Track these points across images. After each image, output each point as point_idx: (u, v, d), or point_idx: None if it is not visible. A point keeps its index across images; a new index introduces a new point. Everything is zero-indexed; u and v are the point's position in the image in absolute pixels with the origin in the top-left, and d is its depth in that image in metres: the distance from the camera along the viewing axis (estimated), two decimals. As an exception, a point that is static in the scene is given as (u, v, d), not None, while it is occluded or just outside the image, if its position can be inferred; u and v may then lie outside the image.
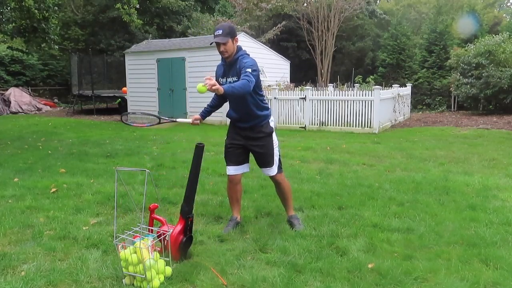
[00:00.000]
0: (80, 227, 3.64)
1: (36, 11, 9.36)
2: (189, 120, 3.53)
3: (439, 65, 17.30)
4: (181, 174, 5.58)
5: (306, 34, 19.24)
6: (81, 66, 18.20)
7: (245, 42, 12.56)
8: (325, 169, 5.93)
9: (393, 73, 19.23)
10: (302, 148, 7.75)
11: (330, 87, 13.44)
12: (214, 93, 3.62)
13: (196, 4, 23.72)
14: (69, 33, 21.17)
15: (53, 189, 4.82)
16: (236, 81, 3.32)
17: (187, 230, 3.00)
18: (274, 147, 3.58)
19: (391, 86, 13.35)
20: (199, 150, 3.05)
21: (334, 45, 19.12)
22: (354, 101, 10.71)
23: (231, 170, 3.60)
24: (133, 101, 14.26)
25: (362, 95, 10.70)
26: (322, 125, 11.06)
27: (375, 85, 12.09)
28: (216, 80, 3.28)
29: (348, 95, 10.92)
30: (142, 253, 2.61)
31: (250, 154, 3.66)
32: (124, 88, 15.53)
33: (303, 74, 21.12)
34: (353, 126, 10.71)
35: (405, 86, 14.77)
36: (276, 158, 3.59)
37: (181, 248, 2.96)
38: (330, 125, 10.97)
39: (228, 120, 3.69)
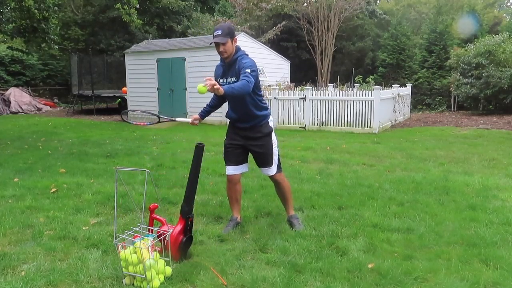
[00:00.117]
0: (80, 227, 3.64)
1: (36, 11, 9.36)
2: (189, 119, 3.54)
3: (439, 65, 17.30)
4: (181, 174, 5.58)
5: (306, 34, 19.25)
6: (81, 66, 18.20)
7: (245, 42, 12.56)
8: (325, 169, 5.93)
9: (393, 73, 19.23)
10: (302, 148, 7.75)
11: (330, 87, 13.44)
12: (213, 93, 3.63)
13: (196, 4, 23.73)
14: (69, 33, 21.17)
15: (53, 189, 4.82)
16: (235, 81, 3.33)
17: (187, 230, 3.00)
18: (273, 146, 3.59)
19: (391, 86, 13.35)
20: (199, 150, 3.05)
21: (334, 45, 19.12)
22: (354, 101, 10.71)
23: (230, 170, 3.60)
24: (133, 101, 14.26)
25: (362, 95, 10.70)
26: (322, 125, 11.06)
27: (375, 85, 12.09)
28: (215, 80, 3.28)
29: (348, 95, 10.92)
30: (142, 253, 2.61)
31: (250, 154, 3.66)
32: (124, 88, 15.54)
33: (303, 74, 21.12)
34: (353, 126, 10.71)
35: (405, 86, 14.77)
36: (275, 158, 3.60)
37: (181, 248, 2.96)
38: (330, 125, 10.97)
39: (228, 120, 3.69)
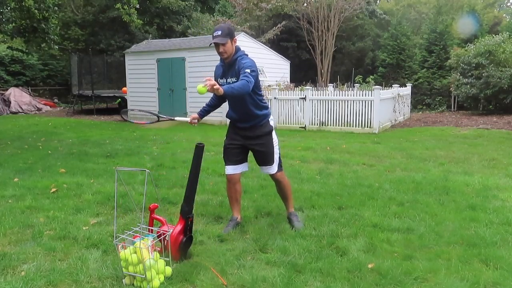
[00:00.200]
0: (80, 227, 3.64)
1: (36, 11, 9.36)
2: (188, 118, 3.54)
3: (439, 65, 17.30)
4: (181, 174, 5.58)
5: (306, 34, 19.25)
6: (81, 66, 18.20)
7: (245, 42, 12.56)
8: (325, 169, 5.93)
9: (393, 73, 19.23)
10: (302, 148, 7.75)
11: (330, 87, 13.44)
12: (213, 93, 3.62)
13: (196, 4, 23.73)
14: (69, 33, 21.17)
15: (53, 189, 4.82)
16: (235, 81, 3.33)
17: (187, 230, 3.00)
18: (274, 145, 3.60)
19: (391, 86, 13.35)
20: (199, 150, 3.05)
21: (334, 45, 19.12)
22: (354, 101, 10.71)
23: (230, 169, 3.61)
24: (133, 101, 14.26)
25: (362, 95, 10.70)
26: (322, 125, 11.06)
27: (375, 85, 12.09)
28: (215, 80, 3.29)
29: (348, 95, 10.92)
30: (142, 253, 2.61)
31: (249, 154, 3.67)
32: (124, 88, 15.54)
33: (303, 74, 21.12)
34: (353, 126, 10.71)
35: (405, 86, 14.77)
36: (276, 157, 3.61)
37: (181, 248, 2.96)
38: (330, 125, 10.97)
39: (228, 120, 3.70)
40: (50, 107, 18.99)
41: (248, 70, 3.22)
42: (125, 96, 15.18)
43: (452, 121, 12.44)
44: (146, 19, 20.50)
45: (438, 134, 9.63)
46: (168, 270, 2.75)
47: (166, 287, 2.63)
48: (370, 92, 10.60)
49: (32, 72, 20.55)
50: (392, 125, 11.90)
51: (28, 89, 19.29)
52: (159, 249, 2.92)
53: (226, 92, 3.02)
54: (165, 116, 3.58)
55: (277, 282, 2.66)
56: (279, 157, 3.67)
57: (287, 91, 11.80)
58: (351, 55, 24.35)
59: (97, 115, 16.03)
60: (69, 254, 3.10)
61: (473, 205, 4.13)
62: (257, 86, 3.43)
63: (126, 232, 2.82)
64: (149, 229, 2.98)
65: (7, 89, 18.21)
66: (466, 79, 13.67)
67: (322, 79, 18.27)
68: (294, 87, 13.32)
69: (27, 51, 12.98)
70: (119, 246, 2.76)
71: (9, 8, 10.17)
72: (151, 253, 2.68)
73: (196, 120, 3.52)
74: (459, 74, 14.15)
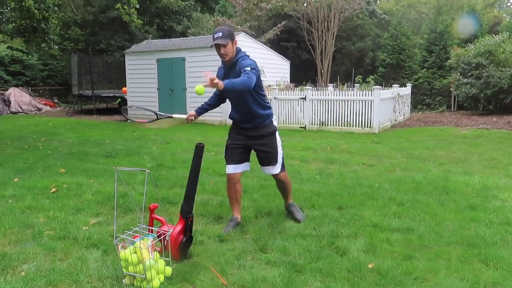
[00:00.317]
0: (80, 227, 3.64)
1: (36, 11, 9.36)
2: (184, 116, 3.54)
3: (439, 65, 17.30)
4: (181, 174, 5.58)
5: (306, 34, 19.25)
6: (81, 66, 18.20)
7: (245, 42, 12.56)
8: (325, 169, 5.93)
9: (393, 73, 19.23)
10: (302, 148, 7.75)
11: (330, 87, 13.43)
12: (213, 92, 3.62)
13: (196, 4, 23.73)
14: (69, 33, 21.17)
15: (53, 189, 4.82)
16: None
17: (187, 230, 3.00)
18: (278, 145, 3.61)
19: (391, 86, 13.34)
20: (199, 150, 3.05)
21: (334, 45, 19.12)
22: (354, 101, 10.71)
23: (230, 169, 3.60)
24: (133, 101, 14.25)
25: (362, 95, 10.70)
26: (322, 125, 11.06)
27: (375, 85, 12.08)
28: None
29: (348, 95, 10.92)
30: (142, 253, 2.61)
31: (251, 154, 3.67)
32: (124, 88, 15.53)
33: (303, 74, 21.12)
34: (353, 126, 10.71)
35: (405, 86, 14.77)
36: (279, 157, 3.62)
37: (181, 248, 2.96)
38: (330, 125, 10.97)
39: (229, 121, 3.69)
40: (50, 107, 18.99)
41: (249, 68, 3.23)
42: (125, 96, 15.18)
43: (452, 121, 12.44)
44: (146, 19, 20.50)
45: (438, 134, 9.63)
46: (168, 270, 2.75)
47: (166, 287, 2.63)
48: (370, 92, 10.60)
49: (32, 72, 20.55)
50: (392, 125, 11.90)
51: (28, 89, 19.29)
52: (159, 249, 2.92)
53: (226, 87, 3.00)
54: (163, 114, 3.59)
55: (277, 282, 2.66)
56: (282, 157, 3.67)
57: (287, 91, 11.80)
58: (351, 55, 24.35)
59: (97, 115, 16.03)
60: (69, 254, 3.10)
61: (473, 205, 4.13)
62: (259, 85, 3.43)
63: (126, 232, 2.82)
64: (149, 229, 2.98)
65: (7, 89, 18.21)
66: (466, 79, 13.67)
67: (322, 79, 18.27)
68: (294, 87, 13.31)
69: (27, 51, 12.99)
70: (119, 246, 2.76)
71: (9, 8, 10.17)
72: (151, 253, 2.68)
73: (193, 117, 3.52)
74: (459, 74, 14.15)
